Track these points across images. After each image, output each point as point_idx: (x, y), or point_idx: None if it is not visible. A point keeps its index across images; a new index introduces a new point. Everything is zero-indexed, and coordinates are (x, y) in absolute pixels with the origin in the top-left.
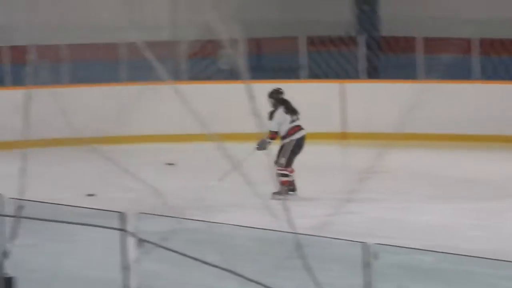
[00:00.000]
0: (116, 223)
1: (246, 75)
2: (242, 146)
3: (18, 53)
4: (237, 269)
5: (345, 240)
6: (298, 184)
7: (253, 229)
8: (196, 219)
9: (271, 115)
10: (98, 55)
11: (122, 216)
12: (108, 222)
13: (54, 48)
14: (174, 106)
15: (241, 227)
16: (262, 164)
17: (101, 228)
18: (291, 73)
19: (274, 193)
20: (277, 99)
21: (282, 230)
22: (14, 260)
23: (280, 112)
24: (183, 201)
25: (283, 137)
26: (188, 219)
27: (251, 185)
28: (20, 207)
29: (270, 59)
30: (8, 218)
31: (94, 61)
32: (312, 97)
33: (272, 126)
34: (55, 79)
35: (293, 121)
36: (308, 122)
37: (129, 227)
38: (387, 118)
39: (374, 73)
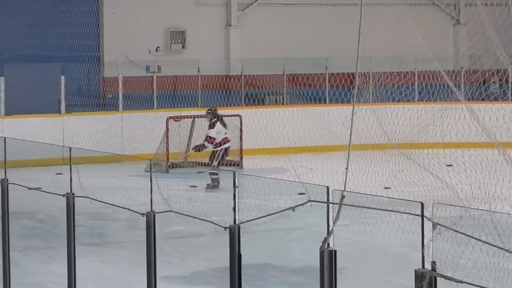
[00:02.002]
0: (412, 211)
1: None
2: None
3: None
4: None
5: None
6: None
7: None
8: (479, 208)
9: (212, 126)
10: (398, 81)
11: (421, 205)
12: (405, 209)
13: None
14: (463, 122)
15: None
16: None
17: (398, 214)
18: None
19: (207, 186)
20: (215, 114)
21: None
22: (334, 236)
23: (219, 124)
24: (468, 194)
25: (217, 145)
26: (473, 208)
27: None
28: (343, 197)
29: None
30: (332, 205)
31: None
32: None
33: (212, 133)
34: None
35: (225, 133)
36: None
37: (427, 213)
38: None
39: None
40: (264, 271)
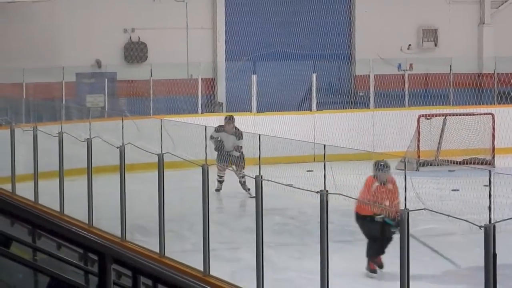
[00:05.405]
0: None
1: None
2: None
3: None
4: None
5: None
6: None
7: None
8: None
9: (240, 135)
10: None
11: None
12: None
13: None
14: None
15: None
16: None
17: None
18: None
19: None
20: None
21: None
22: None
23: (244, 133)
24: None
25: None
26: None
27: None
28: None
29: None
30: None
31: None
32: None
33: (243, 142)
34: None
35: None
36: None
37: None
38: None
39: None
40: None
